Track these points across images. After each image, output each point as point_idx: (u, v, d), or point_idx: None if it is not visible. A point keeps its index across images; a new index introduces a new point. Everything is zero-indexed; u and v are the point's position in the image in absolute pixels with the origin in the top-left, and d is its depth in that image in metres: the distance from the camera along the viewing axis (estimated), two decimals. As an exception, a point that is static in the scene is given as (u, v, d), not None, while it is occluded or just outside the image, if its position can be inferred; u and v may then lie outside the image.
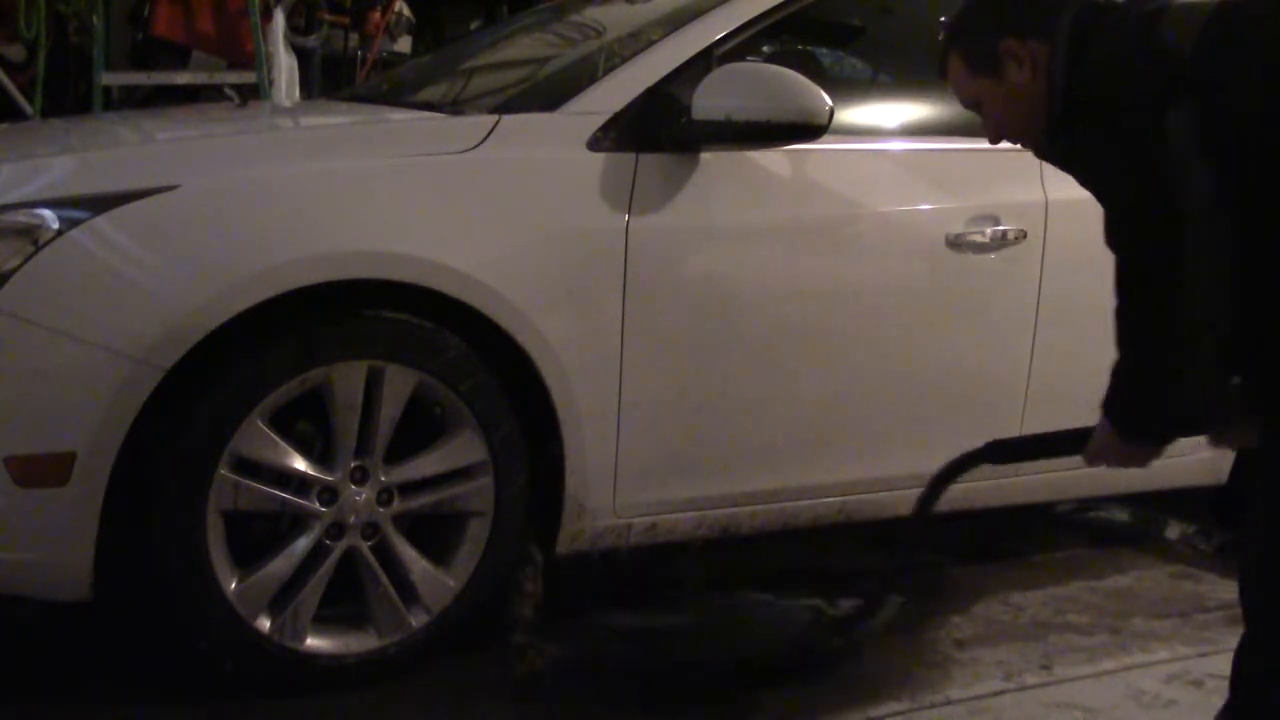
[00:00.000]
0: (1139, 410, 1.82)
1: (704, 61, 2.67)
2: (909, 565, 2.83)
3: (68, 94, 5.13)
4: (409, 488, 2.41)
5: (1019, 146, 2.01)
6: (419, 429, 2.41)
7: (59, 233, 2.13)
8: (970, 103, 1.97)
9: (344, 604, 2.40)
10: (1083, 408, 2.93)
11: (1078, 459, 2.03)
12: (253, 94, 4.82)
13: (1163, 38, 1.71)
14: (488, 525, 2.47)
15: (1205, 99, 1.64)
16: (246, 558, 2.30)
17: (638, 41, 2.82)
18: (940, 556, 3.33)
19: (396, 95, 3.33)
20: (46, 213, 2.15)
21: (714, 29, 2.74)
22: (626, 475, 2.57)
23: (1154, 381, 1.76)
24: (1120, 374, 1.81)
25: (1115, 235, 1.74)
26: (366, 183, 2.38)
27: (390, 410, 2.35)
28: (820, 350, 2.75)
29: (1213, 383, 1.74)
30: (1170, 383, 1.74)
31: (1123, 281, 1.75)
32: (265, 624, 2.30)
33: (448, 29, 6.09)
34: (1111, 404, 1.85)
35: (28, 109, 4.78)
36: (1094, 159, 1.77)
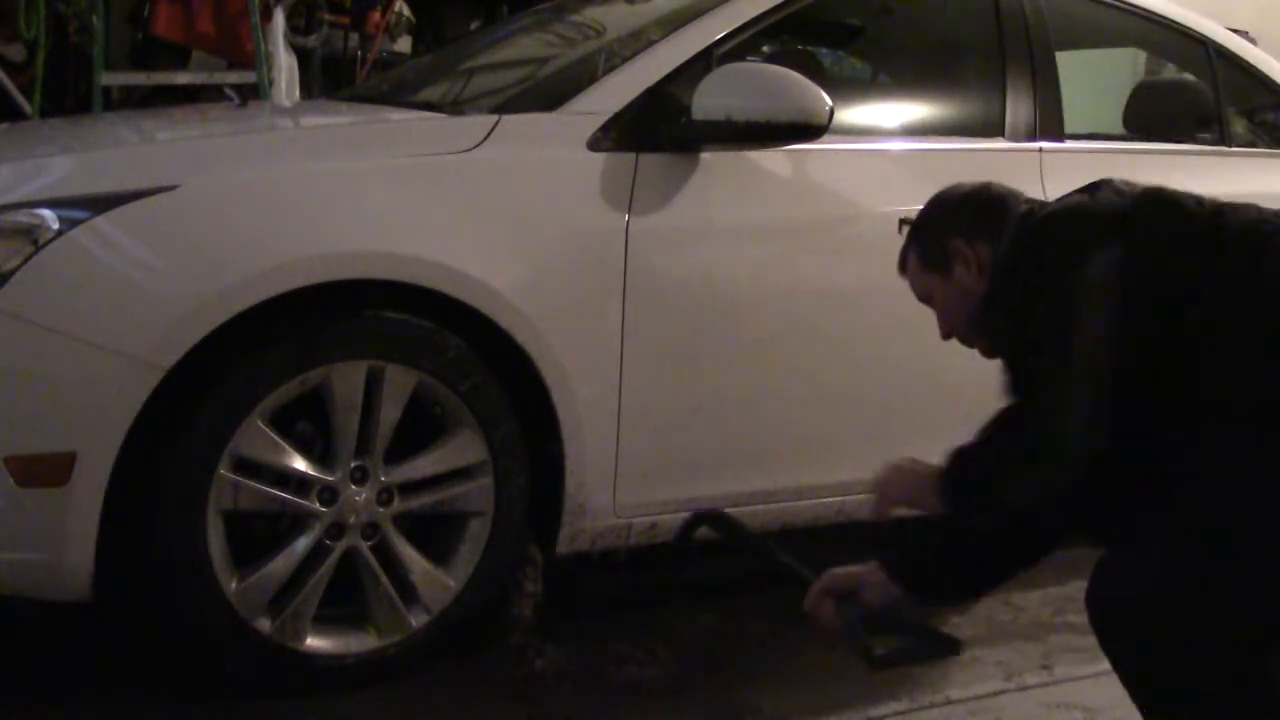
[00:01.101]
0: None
1: (704, 61, 2.67)
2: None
3: (68, 94, 5.12)
4: (409, 488, 2.41)
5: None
6: (419, 429, 2.41)
7: (59, 233, 2.13)
8: (923, 296, 2.10)
9: (344, 604, 2.40)
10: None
11: None
12: (253, 94, 4.81)
13: (1099, 204, 1.87)
14: (488, 525, 2.47)
15: (1134, 237, 1.78)
16: (246, 558, 2.30)
17: (638, 41, 2.83)
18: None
19: (396, 95, 3.33)
20: (46, 213, 2.15)
21: (714, 29, 2.74)
22: (626, 475, 2.57)
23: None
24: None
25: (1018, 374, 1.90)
26: (366, 183, 2.38)
27: (390, 410, 2.35)
28: (820, 350, 2.75)
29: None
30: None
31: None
32: (265, 624, 2.30)
33: (448, 29, 6.08)
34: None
35: (28, 109, 4.77)
36: (1015, 310, 1.88)
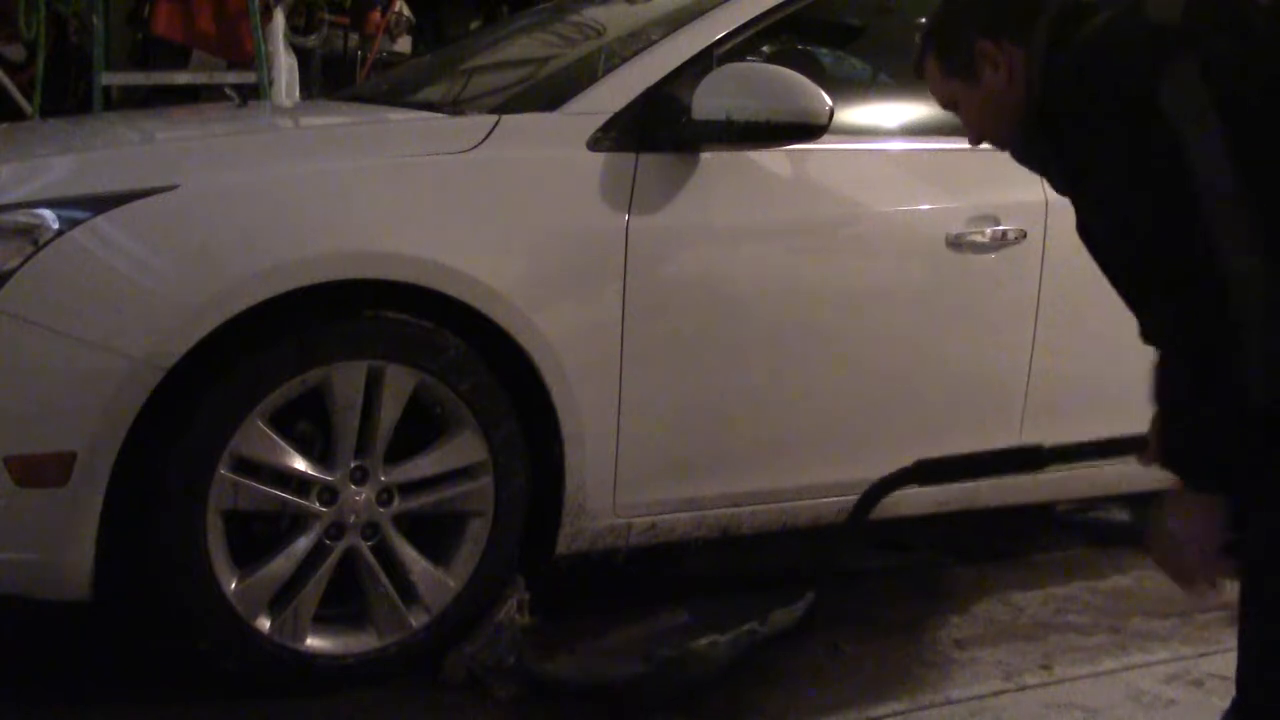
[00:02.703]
0: (1214, 430, 1.55)
1: (704, 61, 2.66)
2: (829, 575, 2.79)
3: (68, 94, 5.13)
4: (409, 488, 2.41)
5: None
6: (419, 429, 2.41)
7: (59, 233, 2.13)
8: (947, 104, 1.93)
9: (344, 604, 2.40)
10: (1081, 407, 2.95)
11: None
12: (253, 94, 4.82)
13: (1146, 17, 1.63)
14: (488, 525, 2.47)
15: (1203, 52, 1.54)
16: (246, 558, 2.30)
17: (638, 41, 2.82)
18: (940, 556, 3.33)
19: (396, 95, 3.33)
20: (46, 213, 2.15)
21: (714, 29, 2.74)
22: (626, 475, 2.57)
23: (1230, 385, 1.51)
24: (1177, 406, 1.60)
25: (1124, 240, 1.60)
26: (367, 183, 2.38)
27: (390, 410, 2.35)
28: (820, 350, 2.75)
29: None
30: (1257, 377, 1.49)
31: (1163, 304, 1.56)
32: (265, 624, 2.30)
33: (448, 29, 6.09)
34: (1174, 453, 1.62)
35: (28, 109, 4.78)
36: (1083, 152, 1.66)
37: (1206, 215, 1.49)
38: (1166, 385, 1.60)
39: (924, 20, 1.97)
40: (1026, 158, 1.87)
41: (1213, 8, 1.60)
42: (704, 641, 2.45)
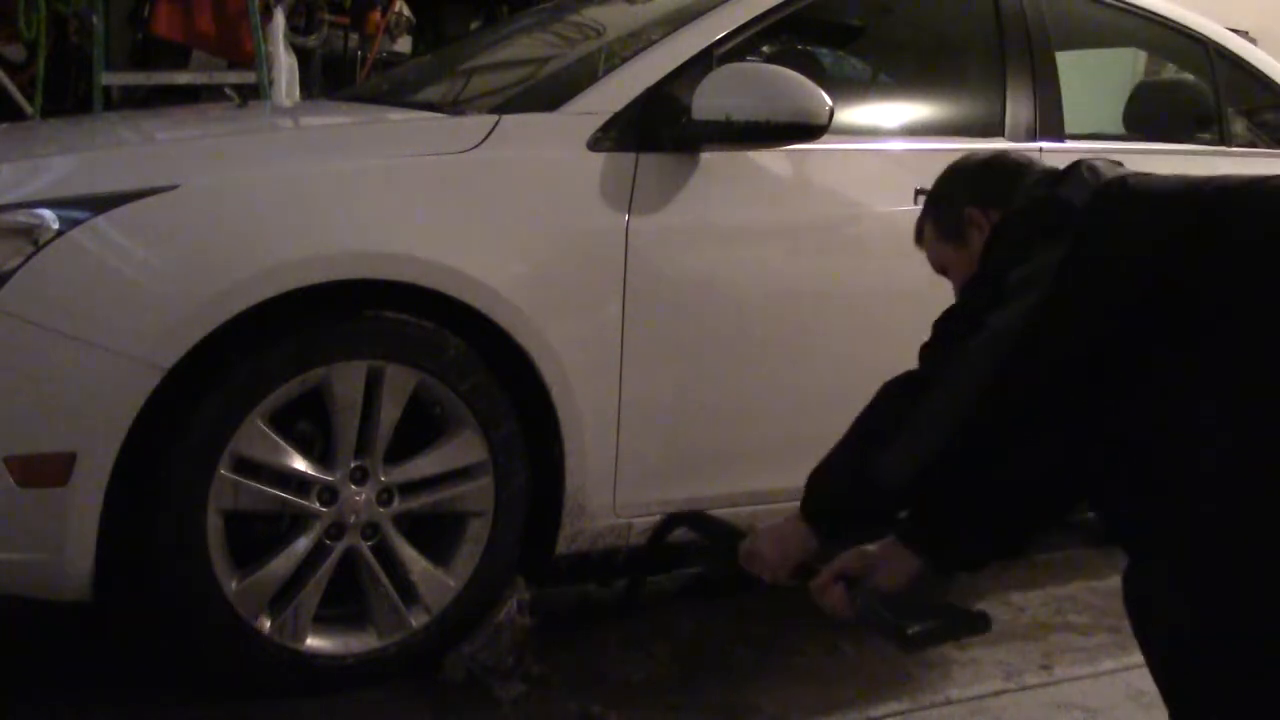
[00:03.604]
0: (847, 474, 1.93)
1: (704, 61, 2.67)
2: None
3: (68, 94, 5.12)
4: (409, 488, 2.41)
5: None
6: (419, 429, 2.41)
7: (59, 233, 2.13)
8: (939, 267, 2.09)
9: (344, 604, 2.40)
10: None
11: None
12: (253, 94, 4.81)
13: (1058, 195, 1.83)
14: (488, 525, 2.47)
15: (1077, 243, 1.73)
16: (246, 558, 2.30)
17: (638, 41, 2.82)
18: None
19: (396, 95, 3.33)
20: (46, 213, 2.14)
21: (714, 29, 2.74)
22: (626, 475, 2.57)
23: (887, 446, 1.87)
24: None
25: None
26: (366, 183, 2.38)
27: (390, 410, 2.35)
28: (820, 350, 2.75)
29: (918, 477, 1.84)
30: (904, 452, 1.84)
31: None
32: (265, 624, 2.30)
33: (448, 29, 6.08)
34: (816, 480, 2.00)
35: (28, 109, 4.77)
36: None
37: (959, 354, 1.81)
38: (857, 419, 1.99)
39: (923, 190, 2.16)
40: None
41: (1113, 200, 1.78)
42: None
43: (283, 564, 2.31)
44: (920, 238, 2.11)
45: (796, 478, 2.80)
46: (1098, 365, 1.72)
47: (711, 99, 2.52)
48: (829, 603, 1.97)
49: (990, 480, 1.87)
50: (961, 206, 1.99)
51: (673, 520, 2.43)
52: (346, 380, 2.30)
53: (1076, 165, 1.86)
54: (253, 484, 2.26)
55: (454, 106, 2.97)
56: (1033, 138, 3.09)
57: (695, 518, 2.41)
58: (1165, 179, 1.81)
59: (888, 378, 2.00)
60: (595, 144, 2.53)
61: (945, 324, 1.90)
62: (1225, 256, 1.67)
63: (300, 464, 2.30)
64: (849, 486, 1.91)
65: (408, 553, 2.42)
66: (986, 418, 1.79)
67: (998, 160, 2.03)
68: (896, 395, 1.91)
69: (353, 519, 2.35)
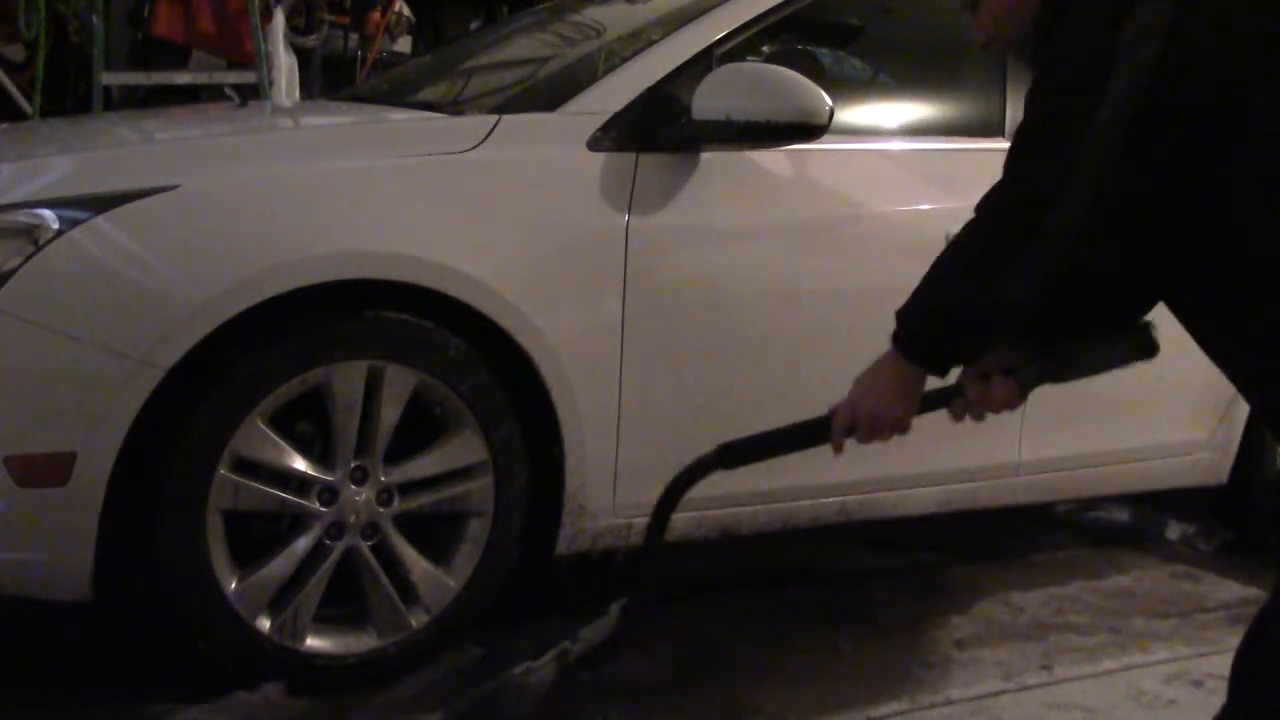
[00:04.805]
0: (945, 304, 1.82)
1: (704, 61, 2.67)
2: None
3: (68, 94, 5.12)
4: (409, 488, 2.41)
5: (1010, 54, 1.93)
6: (419, 429, 2.41)
7: (59, 233, 2.13)
8: (968, 2, 1.89)
9: (344, 604, 2.40)
10: (1080, 405, 2.95)
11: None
12: (253, 94, 4.82)
13: None
14: (488, 525, 2.47)
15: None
16: (246, 558, 2.30)
17: (638, 41, 2.82)
18: (940, 556, 3.33)
19: (396, 95, 3.33)
20: (46, 213, 2.14)
21: (714, 29, 2.74)
22: (626, 475, 2.56)
23: (984, 266, 1.73)
24: (945, 266, 1.83)
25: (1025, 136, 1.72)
26: (366, 182, 2.38)
27: (390, 410, 2.35)
28: (820, 350, 2.75)
29: (1035, 292, 1.66)
30: (1001, 270, 1.69)
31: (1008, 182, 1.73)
32: (265, 624, 2.30)
33: (448, 29, 6.08)
34: (909, 311, 1.87)
35: (28, 109, 4.78)
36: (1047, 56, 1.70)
37: (1082, 138, 1.56)
38: (950, 251, 1.82)
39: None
40: (1032, 59, 1.83)
41: None
42: (518, 670, 2.22)
43: (283, 564, 2.31)
44: None
45: (796, 477, 2.82)
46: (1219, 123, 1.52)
47: (711, 99, 2.52)
48: (996, 396, 1.90)
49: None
50: None
51: (726, 452, 2.09)
52: (346, 380, 2.30)
53: None
54: (253, 484, 2.26)
55: (454, 106, 2.97)
56: (1033, 137, 3.08)
57: (751, 444, 2.15)
58: None
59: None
60: (595, 144, 2.53)
61: (1037, 105, 1.69)
62: None
63: (300, 464, 2.30)
64: (978, 311, 1.78)
65: (408, 553, 2.42)
66: (1120, 198, 1.57)
67: None
68: (999, 208, 1.77)
69: (353, 519, 2.35)
